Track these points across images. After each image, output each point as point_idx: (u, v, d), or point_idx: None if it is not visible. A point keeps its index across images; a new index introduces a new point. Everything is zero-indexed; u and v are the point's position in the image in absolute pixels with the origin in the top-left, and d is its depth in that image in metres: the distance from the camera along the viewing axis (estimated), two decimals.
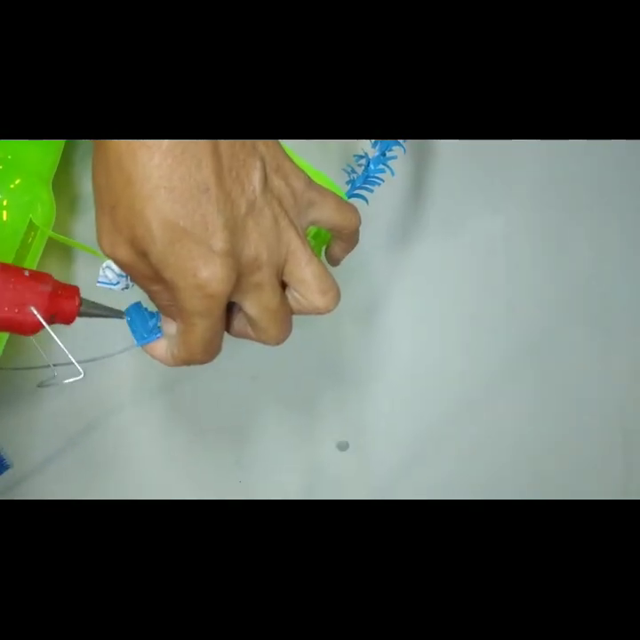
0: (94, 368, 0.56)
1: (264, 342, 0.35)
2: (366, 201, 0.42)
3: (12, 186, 0.49)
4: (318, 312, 0.34)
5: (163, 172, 0.29)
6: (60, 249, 0.55)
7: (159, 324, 0.36)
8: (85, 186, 0.55)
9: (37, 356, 0.55)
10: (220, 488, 0.57)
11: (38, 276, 0.36)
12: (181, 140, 0.29)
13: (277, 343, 0.35)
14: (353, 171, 0.43)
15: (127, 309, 0.37)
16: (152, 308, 0.36)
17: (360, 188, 0.42)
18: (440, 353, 0.59)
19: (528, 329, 0.59)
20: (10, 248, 0.48)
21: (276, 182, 0.33)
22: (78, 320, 0.52)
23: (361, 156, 0.43)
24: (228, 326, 0.35)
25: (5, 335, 0.50)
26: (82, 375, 0.37)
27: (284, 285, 0.34)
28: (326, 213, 0.35)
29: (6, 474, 0.55)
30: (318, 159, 0.42)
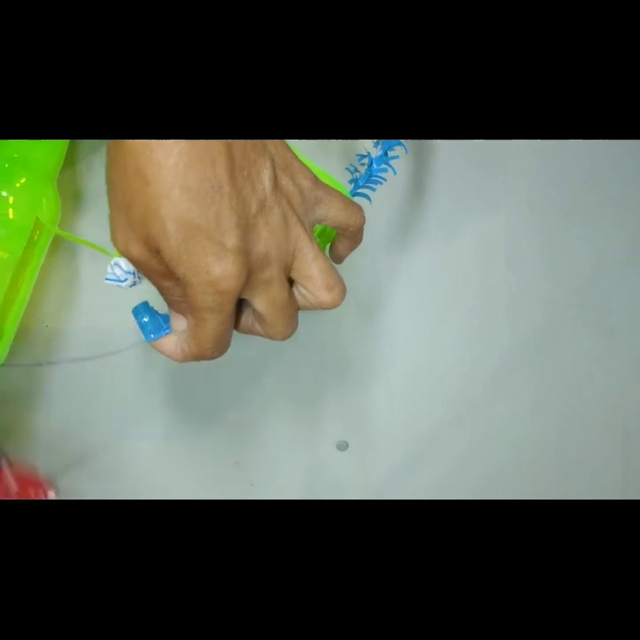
0: (94, 368, 0.56)
1: (271, 337, 0.35)
2: (369, 199, 0.43)
3: (18, 184, 0.49)
4: (324, 307, 0.35)
5: (178, 172, 0.30)
6: (65, 246, 0.55)
7: (168, 322, 0.37)
8: (88, 183, 0.56)
9: (41, 353, 0.55)
10: (219, 488, 0.58)
11: None
12: (196, 141, 0.30)
13: (284, 338, 0.35)
14: (356, 170, 0.44)
15: (135, 308, 0.37)
16: (161, 308, 0.37)
17: (363, 186, 0.43)
18: (440, 353, 0.59)
19: (528, 329, 0.59)
20: (17, 246, 0.49)
21: (285, 181, 0.33)
22: (85, 316, 0.53)
23: (363, 156, 0.44)
24: (236, 323, 0.36)
25: (10, 334, 0.51)
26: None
27: (290, 282, 0.35)
28: (333, 211, 0.36)
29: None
30: (319, 158, 0.42)
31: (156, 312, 0.37)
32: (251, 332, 0.36)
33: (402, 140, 0.44)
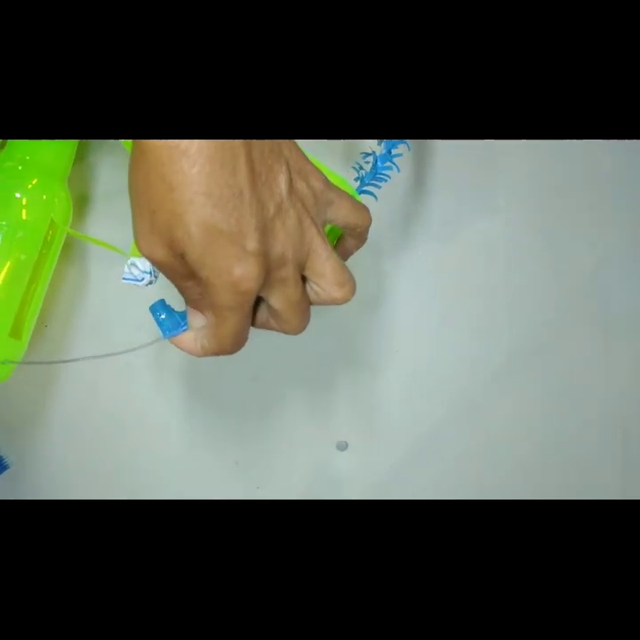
0: (94, 368, 0.56)
1: (286, 332, 0.37)
2: (375, 197, 0.44)
3: (30, 186, 0.50)
4: (336, 303, 0.37)
5: (202, 179, 0.31)
6: (75, 246, 0.55)
7: (185, 318, 0.38)
8: (97, 183, 0.56)
9: (46, 351, 0.55)
10: (219, 488, 0.58)
11: None
12: (217, 145, 0.31)
13: (298, 332, 0.37)
14: (361, 168, 0.45)
15: (153, 306, 0.38)
16: (178, 304, 0.38)
17: (369, 184, 0.44)
18: (440, 353, 0.59)
19: (528, 329, 0.59)
20: (33, 247, 0.50)
21: (299, 184, 0.35)
22: (101, 313, 0.53)
23: (368, 154, 0.45)
24: (251, 319, 0.37)
25: (28, 333, 0.51)
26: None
27: (303, 279, 0.36)
28: (342, 212, 0.37)
29: (6, 474, 0.55)
30: (325, 157, 0.43)
31: (173, 309, 0.38)
32: (266, 326, 0.38)
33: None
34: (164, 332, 0.38)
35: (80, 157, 0.55)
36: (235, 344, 0.36)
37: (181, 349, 0.38)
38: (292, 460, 0.58)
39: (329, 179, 0.37)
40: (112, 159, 0.56)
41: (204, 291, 0.34)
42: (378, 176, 0.44)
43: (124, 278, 0.40)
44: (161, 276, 0.38)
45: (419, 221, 0.58)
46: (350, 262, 0.41)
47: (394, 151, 0.44)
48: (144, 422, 0.57)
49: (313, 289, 0.37)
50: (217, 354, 0.37)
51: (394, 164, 0.44)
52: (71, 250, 0.56)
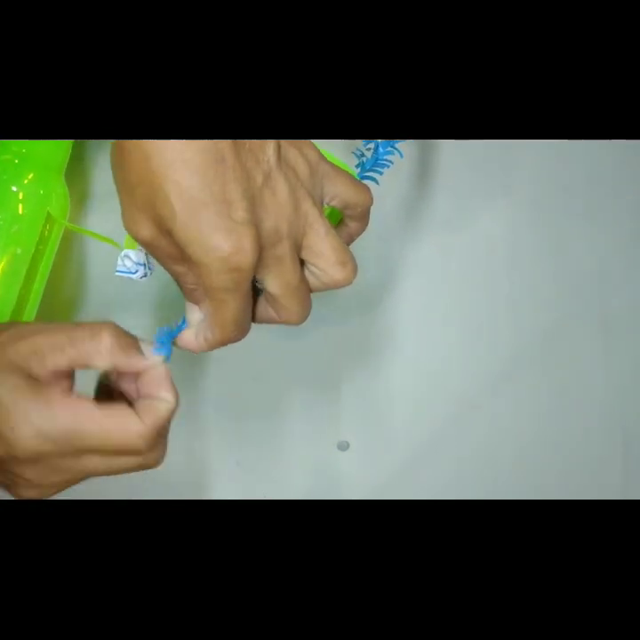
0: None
1: (287, 322, 0.35)
2: (377, 182, 0.42)
3: (26, 180, 0.49)
4: (337, 285, 0.35)
5: (177, 145, 0.29)
6: (75, 241, 0.55)
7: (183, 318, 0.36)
8: (97, 178, 0.56)
9: None
10: (220, 488, 0.57)
11: None
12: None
13: (299, 321, 0.35)
14: (362, 154, 0.44)
15: (159, 339, 0.35)
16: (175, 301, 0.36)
17: (370, 170, 0.43)
18: (440, 353, 0.59)
19: (528, 329, 0.59)
20: (30, 241, 0.49)
21: (291, 153, 0.33)
22: (100, 311, 0.53)
23: (369, 140, 0.43)
24: (251, 314, 0.35)
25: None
26: None
27: (301, 262, 0.34)
28: (340, 188, 0.35)
29: None
30: (325, 142, 0.42)
31: (169, 327, 0.36)
32: (267, 320, 0.36)
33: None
34: (164, 346, 0.35)
35: (79, 156, 0.55)
36: (239, 330, 0.34)
37: (185, 349, 0.36)
38: (293, 461, 0.58)
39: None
40: None
41: (197, 274, 0.32)
42: (379, 162, 0.43)
43: (117, 271, 0.38)
44: (158, 271, 0.36)
45: (420, 222, 0.58)
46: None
47: None
48: None
49: (312, 272, 0.35)
50: (222, 343, 0.35)
51: (396, 149, 0.43)
52: (71, 247, 0.55)
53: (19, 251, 0.49)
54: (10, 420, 0.31)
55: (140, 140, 0.30)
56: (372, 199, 0.37)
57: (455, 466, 0.59)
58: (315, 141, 0.37)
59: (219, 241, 0.30)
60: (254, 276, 0.33)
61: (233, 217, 0.30)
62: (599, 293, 0.60)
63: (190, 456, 0.57)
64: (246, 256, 0.31)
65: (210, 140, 0.30)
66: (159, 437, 0.33)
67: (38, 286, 0.51)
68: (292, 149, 0.33)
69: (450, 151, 0.58)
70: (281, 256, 0.32)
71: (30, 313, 0.51)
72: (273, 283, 0.33)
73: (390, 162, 0.43)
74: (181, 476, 0.57)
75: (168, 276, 0.35)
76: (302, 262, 0.34)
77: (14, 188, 0.49)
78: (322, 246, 0.33)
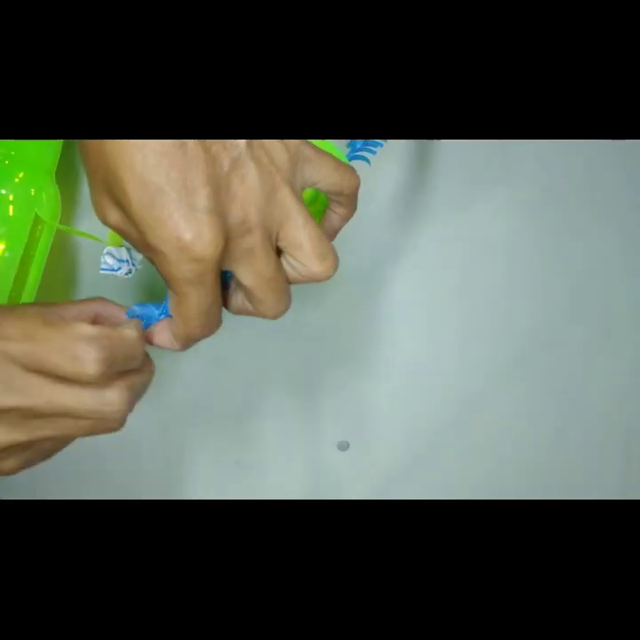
0: None
1: (263, 316, 0.33)
2: (368, 162, 0.40)
3: (16, 180, 0.49)
4: (316, 279, 0.32)
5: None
6: (69, 242, 0.55)
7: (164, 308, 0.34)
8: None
9: None
10: (220, 488, 0.57)
11: None
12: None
13: (276, 316, 0.33)
14: None
15: (129, 310, 0.35)
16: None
17: (361, 149, 0.40)
18: (440, 353, 0.59)
19: (528, 328, 0.59)
20: (18, 243, 0.48)
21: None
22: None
23: None
24: (226, 303, 0.34)
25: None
26: None
27: (279, 252, 0.32)
28: (324, 171, 0.33)
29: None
30: None
31: (152, 304, 0.35)
32: (243, 312, 0.34)
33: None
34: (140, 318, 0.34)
35: (70, 157, 0.54)
36: (203, 325, 0.32)
37: (158, 346, 0.34)
38: (292, 460, 0.58)
39: (316, 145, 0.33)
40: None
41: (158, 263, 0.30)
42: (371, 141, 0.40)
43: (101, 269, 0.37)
44: (146, 269, 0.35)
45: (419, 222, 0.58)
46: (350, 260, 0.41)
47: None
48: (143, 422, 0.57)
49: (289, 263, 0.32)
50: (187, 339, 0.32)
51: None
52: (64, 250, 0.55)
53: (6, 253, 0.48)
54: None
55: None
56: (358, 182, 0.34)
57: (455, 466, 0.59)
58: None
59: (177, 229, 0.28)
60: (224, 268, 0.31)
61: (194, 204, 0.28)
62: (599, 293, 0.60)
63: (190, 456, 0.57)
64: (208, 246, 0.29)
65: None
66: (116, 375, 0.31)
67: (30, 289, 0.50)
68: None
69: (449, 150, 0.58)
70: (251, 247, 0.30)
71: None
72: (245, 275, 0.31)
73: (382, 142, 0.41)
74: (181, 476, 0.57)
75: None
76: (280, 253, 0.32)
77: (3, 191, 0.48)
78: (300, 237, 0.31)
